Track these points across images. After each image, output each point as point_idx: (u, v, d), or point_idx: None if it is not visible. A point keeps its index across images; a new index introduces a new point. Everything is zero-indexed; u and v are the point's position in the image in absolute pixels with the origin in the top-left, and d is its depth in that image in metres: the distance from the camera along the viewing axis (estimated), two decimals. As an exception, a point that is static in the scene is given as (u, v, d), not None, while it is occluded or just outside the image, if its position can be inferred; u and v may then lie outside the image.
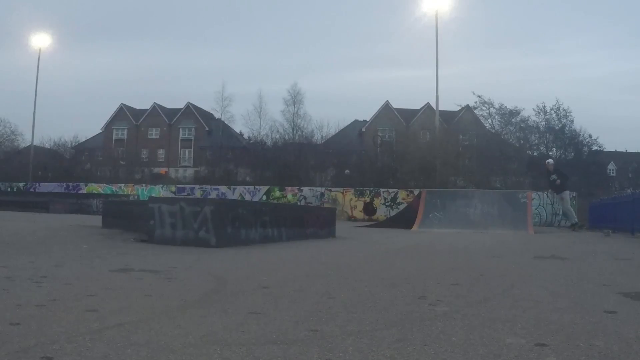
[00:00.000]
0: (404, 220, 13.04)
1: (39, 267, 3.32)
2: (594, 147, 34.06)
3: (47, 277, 2.89)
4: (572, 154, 34.18)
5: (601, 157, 35.73)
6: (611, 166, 42.51)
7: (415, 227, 12.13)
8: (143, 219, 5.95)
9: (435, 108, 29.19)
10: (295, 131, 42.34)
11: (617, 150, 42.64)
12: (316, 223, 8.10)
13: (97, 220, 9.66)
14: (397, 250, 6.00)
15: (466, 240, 7.92)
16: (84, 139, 49.17)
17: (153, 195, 24.37)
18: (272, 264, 4.15)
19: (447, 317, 2.08)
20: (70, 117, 74.42)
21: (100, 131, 51.42)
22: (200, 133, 49.81)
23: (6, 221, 9.47)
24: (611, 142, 68.70)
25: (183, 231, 5.44)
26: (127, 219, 7.54)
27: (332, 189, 25.28)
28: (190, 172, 45.98)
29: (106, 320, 1.88)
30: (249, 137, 45.22)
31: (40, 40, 33.81)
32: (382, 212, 22.51)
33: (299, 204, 22.84)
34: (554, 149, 34.92)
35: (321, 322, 1.94)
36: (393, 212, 20.76)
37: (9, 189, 29.04)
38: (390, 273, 3.62)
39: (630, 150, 43.72)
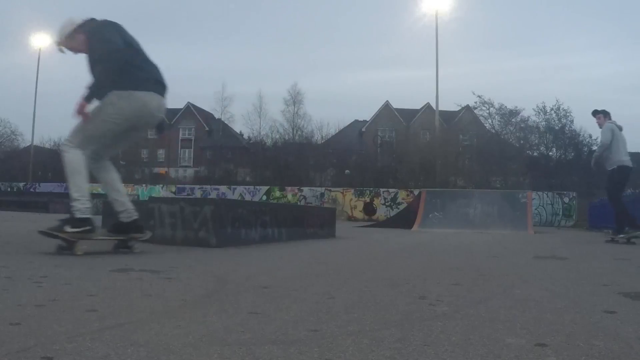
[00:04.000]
0: (404, 220, 13.07)
1: (39, 267, 3.31)
2: (594, 147, 34.06)
3: (47, 277, 2.88)
4: (572, 154, 34.21)
5: (601, 157, 35.72)
6: (611, 166, 42.51)
7: (415, 227, 12.15)
8: (143, 219, 5.94)
9: (435, 108, 29.22)
10: (295, 131, 42.46)
11: (617, 150, 42.64)
12: (316, 223, 8.10)
13: (97, 220, 9.64)
14: (397, 250, 6.00)
15: (466, 240, 7.93)
16: (84, 139, 49.15)
17: (153, 195, 24.38)
18: (272, 264, 4.15)
19: (447, 317, 2.08)
20: (70, 117, 74.37)
21: (100, 131, 51.38)
22: (200, 133, 49.86)
23: (6, 221, 9.47)
24: (611, 142, 68.64)
25: (183, 231, 5.44)
26: (127, 219, 7.52)
27: (332, 189, 25.32)
28: (190, 172, 46.05)
29: (106, 320, 1.88)
30: (249, 137, 45.33)
31: (40, 40, 33.84)
32: (382, 212, 22.54)
33: (299, 204, 22.83)
34: (554, 149, 34.97)
35: (321, 322, 1.94)
36: (393, 212, 20.78)
37: (9, 189, 29.05)
38: (390, 273, 3.62)
39: (630, 150, 43.71)
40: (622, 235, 7.62)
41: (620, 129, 8.05)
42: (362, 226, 14.11)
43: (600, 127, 8.15)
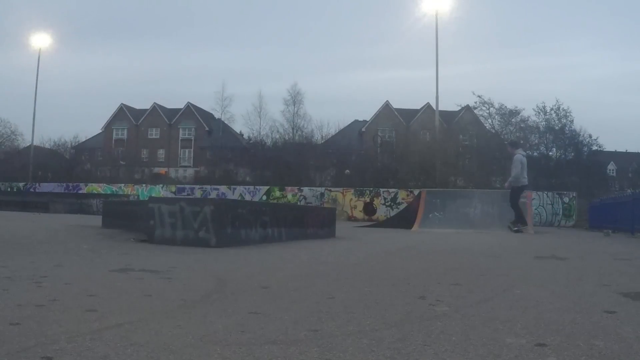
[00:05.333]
0: (404, 220, 13.03)
1: (39, 267, 3.32)
2: (594, 147, 34.05)
3: (47, 277, 2.89)
4: (572, 154, 34.17)
5: (601, 157, 35.70)
6: (611, 166, 42.56)
7: (415, 227, 12.12)
8: (143, 219, 5.94)
9: (435, 108, 29.19)
10: (295, 131, 42.43)
11: (617, 150, 42.71)
12: (316, 223, 8.10)
13: (97, 220, 9.65)
14: (397, 250, 6.00)
15: (466, 240, 7.92)
16: (84, 139, 49.25)
17: (153, 195, 24.38)
18: (272, 264, 4.15)
19: (447, 317, 2.09)
20: (70, 117, 74.66)
21: (100, 131, 51.45)
22: (200, 133, 49.83)
23: (6, 221, 9.46)
24: (611, 142, 68.91)
25: (183, 231, 5.44)
26: (127, 219, 7.54)
27: (332, 189, 25.27)
28: (190, 172, 46.03)
29: (106, 320, 1.88)
30: (249, 137, 45.23)
31: (40, 40, 33.83)
32: (382, 212, 22.49)
33: (299, 204, 22.82)
34: (554, 149, 34.93)
35: (321, 322, 1.94)
36: (393, 212, 20.73)
37: (9, 189, 29.03)
38: (390, 273, 3.61)
39: (630, 150, 43.72)
40: (515, 228, 10.78)
41: (525, 156, 11.68)
42: (362, 226, 14.11)
43: (511, 157, 11.58)
